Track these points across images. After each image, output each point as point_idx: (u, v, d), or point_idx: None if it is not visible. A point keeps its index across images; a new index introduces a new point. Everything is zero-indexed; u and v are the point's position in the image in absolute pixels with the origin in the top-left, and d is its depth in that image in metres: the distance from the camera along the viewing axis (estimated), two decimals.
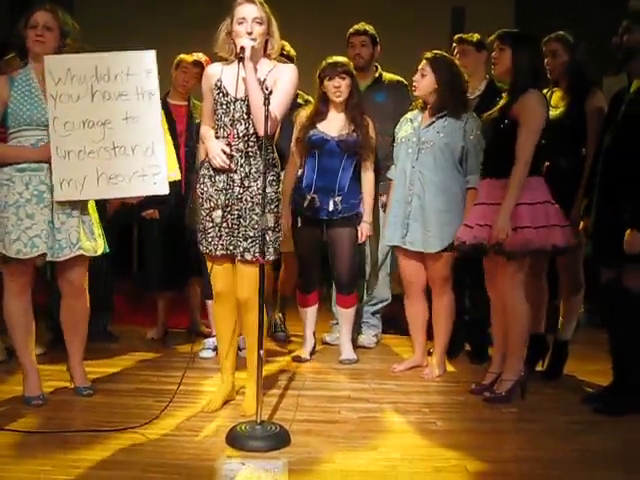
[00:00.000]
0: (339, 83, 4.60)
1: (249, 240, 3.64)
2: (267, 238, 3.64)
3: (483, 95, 4.82)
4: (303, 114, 4.72)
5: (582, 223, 4.10)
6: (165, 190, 3.78)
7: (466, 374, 4.56)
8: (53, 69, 3.67)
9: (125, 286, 6.28)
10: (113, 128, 3.71)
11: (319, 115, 4.70)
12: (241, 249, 3.65)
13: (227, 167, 3.63)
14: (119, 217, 4.95)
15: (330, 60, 4.66)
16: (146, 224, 5.27)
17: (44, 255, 3.70)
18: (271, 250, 3.69)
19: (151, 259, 5.28)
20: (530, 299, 4.05)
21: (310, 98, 4.92)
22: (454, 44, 4.97)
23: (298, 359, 4.79)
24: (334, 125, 4.67)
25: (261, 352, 3.43)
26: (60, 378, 4.10)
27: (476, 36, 4.90)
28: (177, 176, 3.87)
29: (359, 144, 4.62)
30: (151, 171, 3.73)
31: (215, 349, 4.77)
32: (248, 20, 3.59)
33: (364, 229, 4.71)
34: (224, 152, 3.62)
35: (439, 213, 4.34)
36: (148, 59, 3.74)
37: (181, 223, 4.99)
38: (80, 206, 3.80)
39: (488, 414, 3.86)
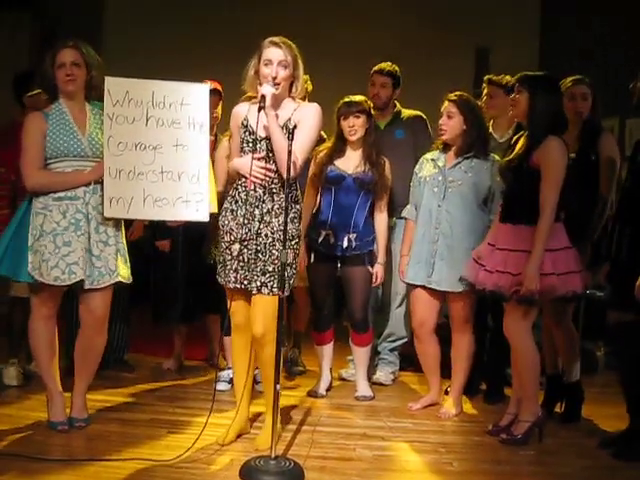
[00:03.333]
0: (353, 122, 4.64)
1: (267, 275, 3.65)
2: (284, 274, 3.63)
3: (512, 138, 4.82)
4: (321, 151, 4.75)
5: (604, 268, 4.08)
6: (205, 218, 3.87)
7: (482, 414, 4.52)
8: (112, 90, 3.77)
9: (142, 316, 6.29)
10: (163, 153, 3.81)
11: (337, 152, 4.73)
12: (258, 284, 3.67)
13: (264, 178, 3.67)
14: (138, 246, 4.98)
15: (346, 99, 4.71)
16: (159, 255, 5.27)
17: (81, 282, 3.74)
18: (286, 286, 3.70)
19: (164, 291, 5.28)
20: (551, 342, 4.02)
21: (324, 135, 4.93)
22: (484, 85, 4.99)
23: (314, 394, 4.76)
24: (351, 162, 4.70)
25: (277, 387, 3.42)
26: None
27: (506, 78, 4.88)
28: (215, 209, 3.93)
29: (375, 182, 4.64)
30: (194, 198, 3.82)
31: (230, 381, 4.78)
32: (274, 63, 3.66)
33: (379, 271, 4.70)
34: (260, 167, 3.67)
35: (468, 252, 4.32)
36: (202, 92, 3.87)
37: (197, 256, 5.02)
38: (116, 234, 3.87)
39: (505, 456, 3.82)
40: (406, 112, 5.29)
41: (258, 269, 3.68)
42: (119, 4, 8.32)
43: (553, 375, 4.36)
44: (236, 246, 3.73)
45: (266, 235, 3.68)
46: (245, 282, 3.72)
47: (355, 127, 4.65)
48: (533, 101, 3.94)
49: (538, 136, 3.91)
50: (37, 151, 3.76)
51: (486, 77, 5.06)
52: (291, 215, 3.70)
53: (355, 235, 4.64)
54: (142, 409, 4.32)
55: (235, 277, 3.73)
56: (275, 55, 3.67)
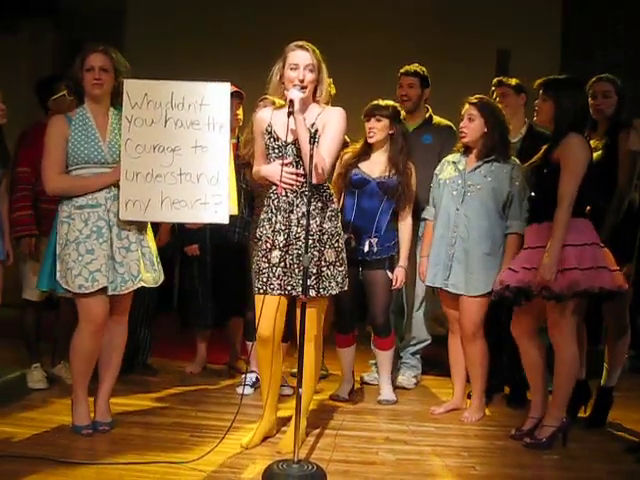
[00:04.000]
0: (373, 125, 4.64)
1: (312, 277, 3.65)
2: (329, 273, 3.70)
3: (524, 138, 4.84)
4: (347, 153, 4.75)
5: (625, 268, 4.06)
6: (225, 220, 3.84)
7: (505, 418, 4.50)
8: (131, 93, 3.78)
9: (166, 320, 6.32)
10: (182, 155, 3.80)
11: (362, 155, 4.73)
12: (304, 287, 3.64)
13: (294, 183, 3.69)
14: (162, 251, 5.02)
15: (373, 103, 4.71)
16: (187, 260, 5.32)
17: (105, 289, 3.75)
18: (333, 284, 3.73)
19: (191, 296, 5.31)
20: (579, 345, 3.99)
21: (347, 139, 4.92)
22: (493, 87, 5.00)
23: (336, 398, 4.76)
24: (376, 167, 4.69)
25: (300, 390, 3.43)
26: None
27: (514, 80, 4.95)
28: (235, 211, 3.92)
29: (398, 188, 4.62)
30: (213, 200, 3.80)
31: (253, 385, 4.80)
32: (300, 67, 3.67)
33: (400, 274, 4.68)
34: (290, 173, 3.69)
35: (484, 257, 4.34)
36: (223, 91, 3.84)
37: (223, 261, 5.03)
38: (139, 239, 3.88)
39: (528, 460, 3.80)
40: (437, 119, 5.29)
41: (302, 273, 3.66)
42: (139, 12, 8.38)
43: (578, 380, 4.32)
44: (276, 253, 3.73)
45: (305, 238, 3.65)
46: (289, 288, 3.72)
47: (374, 129, 4.64)
48: (557, 106, 3.94)
49: (560, 134, 3.91)
50: (58, 155, 3.79)
51: (495, 79, 5.07)
52: (328, 214, 3.72)
53: (377, 240, 4.64)
54: (165, 413, 4.34)
55: (279, 284, 3.73)
56: (302, 59, 3.68)
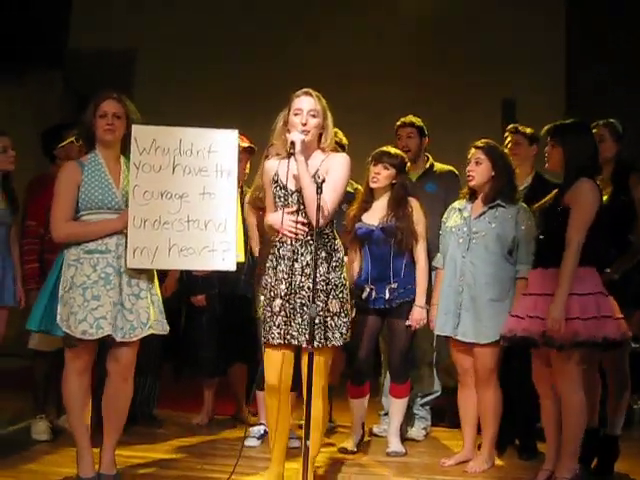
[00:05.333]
0: (379, 171, 4.64)
1: (314, 327, 3.61)
2: (333, 324, 3.67)
3: (531, 187, 4.84)
4: (352, 209, 4.75)
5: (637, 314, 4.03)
6: (232, 267, 3.83)
7: (516, 470, 4.42)
8: (139, 138, 3.79)
9: (172, 370, 6.27)
10: (190, 202, 3.80)
11: (364, 206, 4.72)
12: (306, 337, 3.62)
13: (296, 234, 3.69)
14: (169, 300, 5.00)
15: (383, 148, 4.72)
16: (194, 310, 5.30)
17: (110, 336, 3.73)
18: (337, 335, 3.71)
19: (199, 346, 5.28)
20: (590, 394, 3.94)
21: (359, 187, 4.94)
22: (507, 133, 5.02)
23: (344, 451, 4.69)
24: (377, 214, 4.68)
25: (308, 443, 3.37)
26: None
27: (530, 129, 4.97)
28: (241, 258, 3.91)
29: (398, 231, 4.58)
30: (221, 247, 3.79)
31: (260, 437, 4.74)
32: (304, 112, 3.70)
33: (415, 313, 4.62)
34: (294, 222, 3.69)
35: (491, 303, 4.32)
36: (231, 138, 3.86)
37: (228, 309, 5.03)
38: (149, 286, 3.87)
39: None
40: (438, 166, 5.31)
41: (304, 322, 3.65)
42: (146, 61, 8.50)
43: (591, 429, 4.26)
44: (277, 301, 3.72)
45: (308, 288, 3.65)
46: (288, 337, 3.69)
47: (379, 176, 4.64)
48: (566, 151, 3.95)
49: (571, 179, 3.91)
50: (68, 202, 3.79)
51: (511, 125, 5.10)
52: (333, 264, 3.71)
53: (396, 284, 4.61)
54: (171, 465, 4.28)
55: (279, 333, 3.71)
56: (305, 104, 3.72)
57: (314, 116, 3.71)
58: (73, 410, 3.83)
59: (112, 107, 3.85)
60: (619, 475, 4.31)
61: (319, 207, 3.50)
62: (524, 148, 4.95)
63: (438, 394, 5.27)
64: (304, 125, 3.69)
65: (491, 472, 4.35)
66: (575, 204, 3.85)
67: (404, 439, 4.89)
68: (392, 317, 4.68)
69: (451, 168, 5.22)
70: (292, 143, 3.62)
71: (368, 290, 4.63)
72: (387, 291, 4.61)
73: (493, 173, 4.39)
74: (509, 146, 4.93)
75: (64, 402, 3.88)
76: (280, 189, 3.78)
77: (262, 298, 3.81)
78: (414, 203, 4.69)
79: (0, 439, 4.53)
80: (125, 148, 3.90)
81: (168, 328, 3.96)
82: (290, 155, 3.64)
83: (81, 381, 3.81)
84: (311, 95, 3.74)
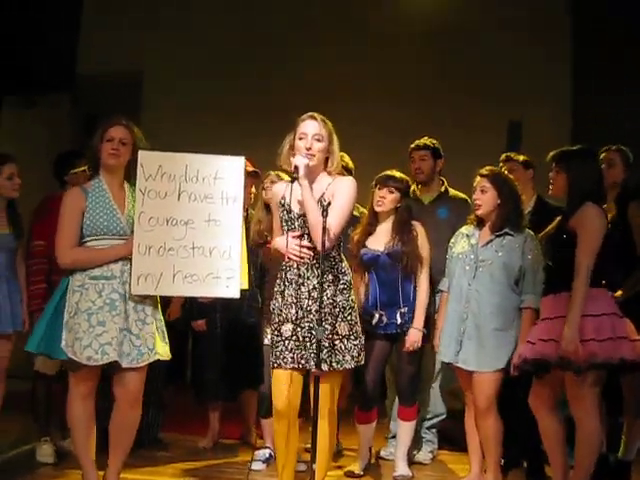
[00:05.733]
0: (384, 194, 4.64)
1: (324, 351, 3.61)
2: (342, 346, 3.67)
3: (534, 212, 4.84)
4: (356, 234, 4.73)
5: None
6: (236, 295, 3.83)
7: None
8: (145, 164, 3.80)
9: (177, 394, 6.25)
10: (195, 228, 3.80)
11: (368, 229, 4.72)
12: (316, 360, 3.61)
13: (301, 257, 3.69)
14: (176, 324, 5.00)
15: (387, 172, 4.72)
16: (198, 334, 5.30)
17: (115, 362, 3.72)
18: (347, 358, 3.69)
19: (203, 369, 5.26)
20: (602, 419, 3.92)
21: (364, 210, 4.94)
22: (501, 163, 5.01)
23: (351, 474, 4.66)
24: (381, 239, 4.68)
25: (314, 466, 3.36)
26: None
27: (522, 156, 5.02)
28: (245, 285, 3.91)
29: (404, 252, 4.58)
30: (225, 274, 3.79)
31: (266, 461, 4.72)
32: (308, 136, 3.72)
33: (412, 336, 4.59)
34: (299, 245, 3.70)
35: (495, 333, 4.29)
36: (237, 166, 3.86)
37: (233, 334, 5.04)
38: (154, 312, 3.87)
39: None
40: (453, 192, 5.30)
41: (314, 346, 3.62)
42: (155, 85, 8.54)
43: (601, 454, 4.22)
44: (288, 326, 3.72)
45: (316, 311, 3.64)
46: (302, 361, 3.68)
47: (385, 199, 4.64)
48: (570, 177, 3.94)
49: (574, 205, 3.90)
50: (72, 229, 3.80)
51: (503, 155, 5.11)
52: (340, 287, 3.71)
53: (407, 308, 4.61)
54: None
55: (292, 357, 3.70)
56: (310, 128, 3.74)
57: (319, 140, 3.73)
58: (78, 434, 3.83)
59: (120, 133, 3.87)
60: None
61: (324, 230, 3.50)
62: (520, 173, 4.94)
63: (444, 417, 5.24)
64: (308, 150, 3.70)
65: None
66: (582, 229, 3.83)
67: (411, 462, 4.86)
68: (401, 340, 4.65)
69: (465, 197, 5.14)
70: (296, 167, 3.64)
71: (378, 316, 4.61)
72: (398, 315, 4.59)
73: (499, 201, 4.37)
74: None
75: (69, 426, 3.87)
76: (286, 213, 3.79)
77: (273, 322, 3.80)
78: (419, 228, 4.69)
79: (5, 462, 4.51)
80: (129, 175, 3.92)
81: (170, 355, 3.96)
82: (293, 179, 3.65)
83: (85, 405, 3.81)
84: (316, 119, 3.76)
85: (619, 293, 4.17)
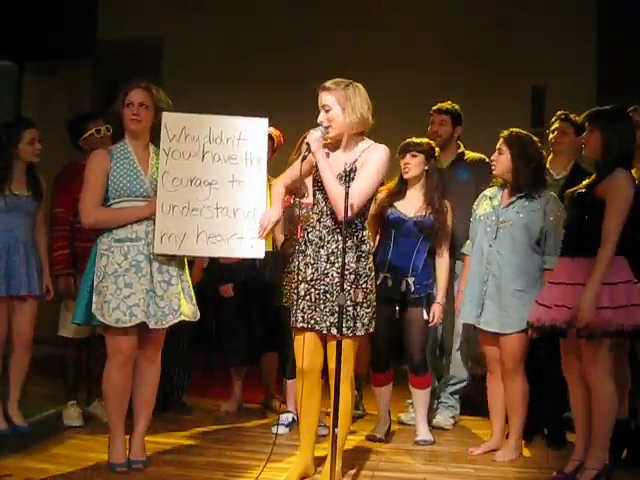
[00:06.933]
0: (408, 160, 4.64)
1: (335, 315, 3.63)
2: (355, 313, 3.67)
3: (569, 176, 4.76)
4: (381, 191, 4.71)
5: None
6: (261, 255, 3.84)
7: (544, 459, 4.41)
8: (169, 125, 3.81)
9: (201, 359, 6.30)
10: (219, 189, 3.81)
11: (397, 193, 4.72)
12: (327, 324, 3.67)
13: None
14: (201, 289, 5.03)
15: (407, 140, 4.71)
16: (223, 299, 5.32)
17: (144, 323, 3.76)
18: (358, 325, 3.71)
19: (228, 333, 5.30)
20: (620, 384, 3.91)
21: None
22: (555, 118, 4.91)
23: (373, 438, 4.70)
24: (412, 205, 4.68)
25: (336, 430, 3.38)
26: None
27: (580, 118, 4.83)
28: (269, 247, 3.91)
29: (436, 227, 4.60)
30: (250, 235, 3.80)
31: (289, 425, 4.76)
32: (321, 108, 3.73)
33: (437, 311, 4.64)
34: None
35: (517, 294, 4.29)
36: (261, 127, 3.87)
37: (256, 298, 5.07)
38: (179, 273, 3.89)
39: None
40: (470, 154, 5.27)
41: (327, 309, 3.68)
42: (176, 49, 8.52)
43: (622, 420, 4.22)
44: (303, 286, 3.75)
45: (332, 275, 3.68)
46: (312, 322, 3.71)
47: (410, 165, 4.64)
48: (605, 139, 3.88)
49: (607, 168, 3.85)
50: (97, 189, 3.82)
51: (560, 112, 4.95)
52: (358, 254, 3.71)
53: (414, 278, 4.61)
54: (200, 452, 4.31)
55: (302, 317, 3.73)
56: (320, 100, 3.74)
57: (327, 110, 3.71)
58: (113, 402, 3.86)
59: (139, 97, 3.86)
60: None
61: (347, 195, 3.50)
62: (570, 137, 4.82)
63: (466, 383, 5.25)
64: (321, 123, 3.71)
65: (519, 461, 4.34)
66: (611, 197, 3.78)
67: (432, 427, 4.88)
68: (406, 308, 4.66)
69: (482, 156, 5.12)
70: (307, 144, 3.65)
71: (382, 277, 4.61)
72: (404, 283, 4.60)
73: (512, 163, 4.35)
74: (555, 133, 4.85)
75: (104, 393, 3.90)
76: (319, 175, 3.77)
77: (294, 281, 3.82)
78: (449, 205, 4.69)
79: (32, 425, 4.58)
80: (154, 137, 3.92)
81: (199, 314, 3.99)
82: (303, 158, 3.67)
83: (122, 375, 3.83)
84: (324, 89, 3.72)
85: None
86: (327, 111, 3.72)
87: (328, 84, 3.74)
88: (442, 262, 4.70)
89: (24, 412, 4.60)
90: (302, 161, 3.69)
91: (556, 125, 4.89)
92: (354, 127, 3.76)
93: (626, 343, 4.17)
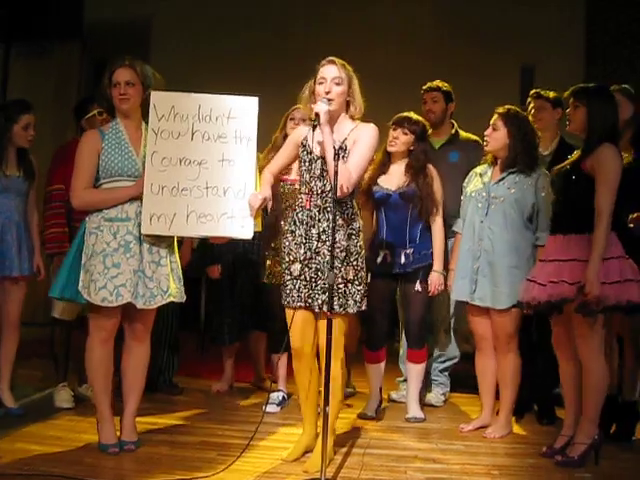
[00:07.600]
0: (398, 135, 4.65)
1: (326, 293, 3.63)
2: (347, 291, 3.68)
3: (555, 152, 4.79)
4: (368, 170, 4.71)
5: None
6: (250, 235, 3.83)
7: (534, 435, 4.44)
8: (158, 105, 3.79)
9: (191, 338, 6.31)
10: (208, 168, 3.79)
11: (381, 169, 4.72)
12: (319, 302, 3.68)
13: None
14: (190, 270, 5.02)
15: (405, 113, 4.70)
16: (211, 279, 5.33)
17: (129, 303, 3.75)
18: (350, 302, 3.72)
19: (217, 312, 5.31)
20: (610, 360, 3.94)
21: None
22: (529, 99, 4.96)
23: (364, 416, 4.72)
24: (394, 179, 4.69)
25: (327, 408, 3.39)
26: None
27: (552, 93, 4.89)
28: (259, 227, 3.90)
29: (421, 194, 4.60)
30: (240, 214, 3.78)
31: (280, 404, 4.78)
32: (327, 80, 3.70)
33: (435, 279, 4.64)
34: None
35: (509, 269, 4.30)
36: (251, 105, 3.83)
37: (245, 277, 5.08)
38: (169, 254, 3.88)
39: (559, 478, 3.72)
40: (464, 135, 5.27)
41: (319, 287, 3.69)
42: (164, 28, 8.48)
43: (610, 395, 4.26)
44: (296, 266, 3.75)
45: (324, 254, 3.69)
46: (309, 300, 3.72)
47: (397, 140, 4.64)
48: (590, 114, 3.89)
49: (593, 144, 3.86)
50: (87, 170, 3.80)
51: (533, 91, 5.02)
52: (349, 232, 3.72)
53: (412, 250, 4.63)
54: (192, 432, 4.31)
55: (299, 296, 3.74)
56: (329, 72, 3.71)
57: (338, 84, 3.70)
58: (97, 379, 3.86)
59: (124, 75, 3.83)
60: (638, 441, 4.31)
61: (336, 174, 3.49)
62: (548, 112, 4.88)
63: (457, 360, 5.29)
64: (327, 93, 3.67)
65: (509, 438, 4.37)
66: (600, 172, 3.79)
67: (423, 405, 4.91)
68: (407, 282, 4.69)
69: (476, 138, 5.10)
70: (316, 114, 3.61)
71: (382, 255, 4.62)
72: (403, 256, 4.61)
73: (508, 140, 4.35)
74: (532, 112, 4.87)
75: (87, 371, 3.92)
76: (307, 154, 3.79)
77: (284, 261, 3.82)
78: (433, 172, 4.68)
79: (24, 407, 4.58)
80: (145, 114, 3.89)
81: (185, 297, 3.98)
82: (314, 127, 3.62)
83: (104, 350, 3.84)
84: (335, 63, 3.73)
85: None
86: (337, 84, 3.70)
87: (338, 60, 3.74)
88: (435, 228, 4.68)
89: (15, 394, 4.59)
90: (313, 130, 3.64)
91: (532, 105, 4.93)
92: (357, 109, 3.77)
93: (614, 319, 4.20)
